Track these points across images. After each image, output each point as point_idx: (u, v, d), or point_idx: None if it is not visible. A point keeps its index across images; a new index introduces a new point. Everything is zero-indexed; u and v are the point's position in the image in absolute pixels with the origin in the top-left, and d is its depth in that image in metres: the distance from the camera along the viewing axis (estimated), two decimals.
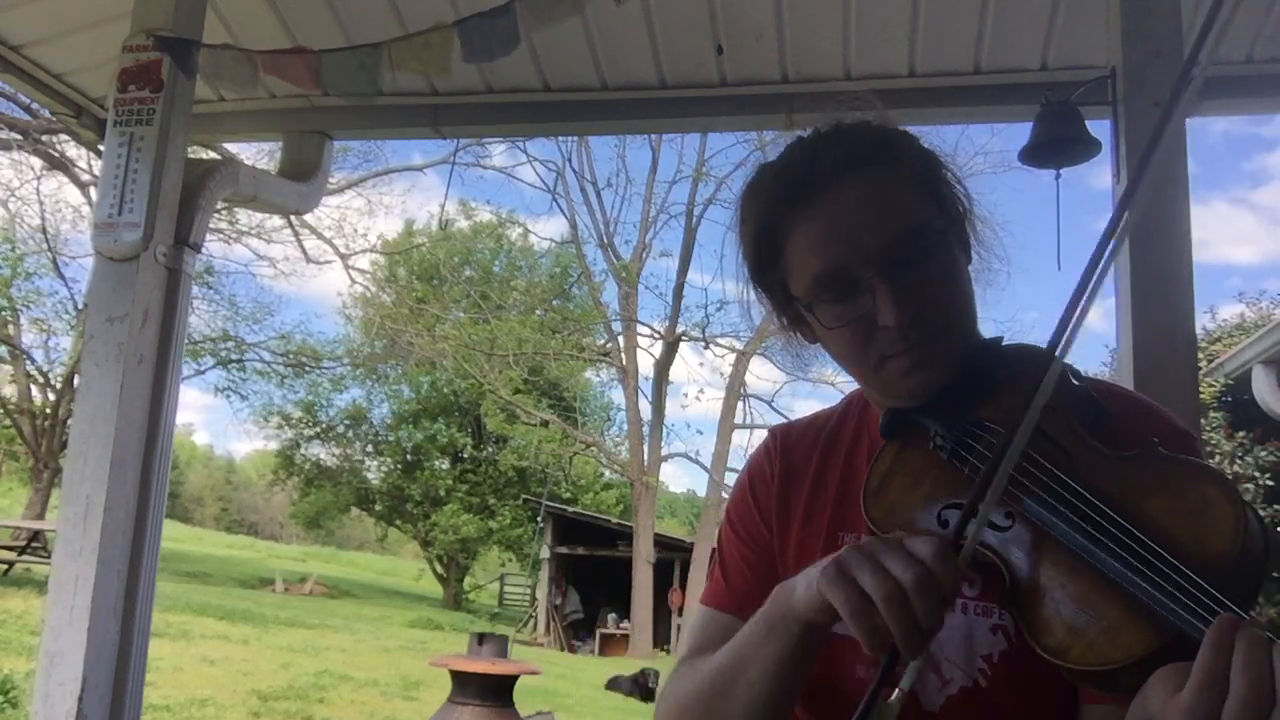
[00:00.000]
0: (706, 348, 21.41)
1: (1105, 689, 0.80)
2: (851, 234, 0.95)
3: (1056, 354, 0.88)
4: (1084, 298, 0.89)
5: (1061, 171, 2.69)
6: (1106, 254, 0.90)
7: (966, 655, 0.94)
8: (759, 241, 1.02)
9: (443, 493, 26.66)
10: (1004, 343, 1.03)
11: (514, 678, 5.15)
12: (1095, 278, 0.89)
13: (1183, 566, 0.76)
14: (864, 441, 1.11)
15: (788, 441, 1.17)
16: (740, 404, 21.23)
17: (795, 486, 1.12)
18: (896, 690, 0.82)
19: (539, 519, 21.97)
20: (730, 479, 18.85)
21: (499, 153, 22.54)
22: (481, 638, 5.30)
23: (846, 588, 0.80)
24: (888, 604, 0.77)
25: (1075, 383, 0.95)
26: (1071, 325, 0.88)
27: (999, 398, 0.97)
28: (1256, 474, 7.68)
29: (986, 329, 1.05)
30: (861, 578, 0.79)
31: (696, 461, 22.33)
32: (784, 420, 1.31)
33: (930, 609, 0.77)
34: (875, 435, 1.07)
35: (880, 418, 1.04)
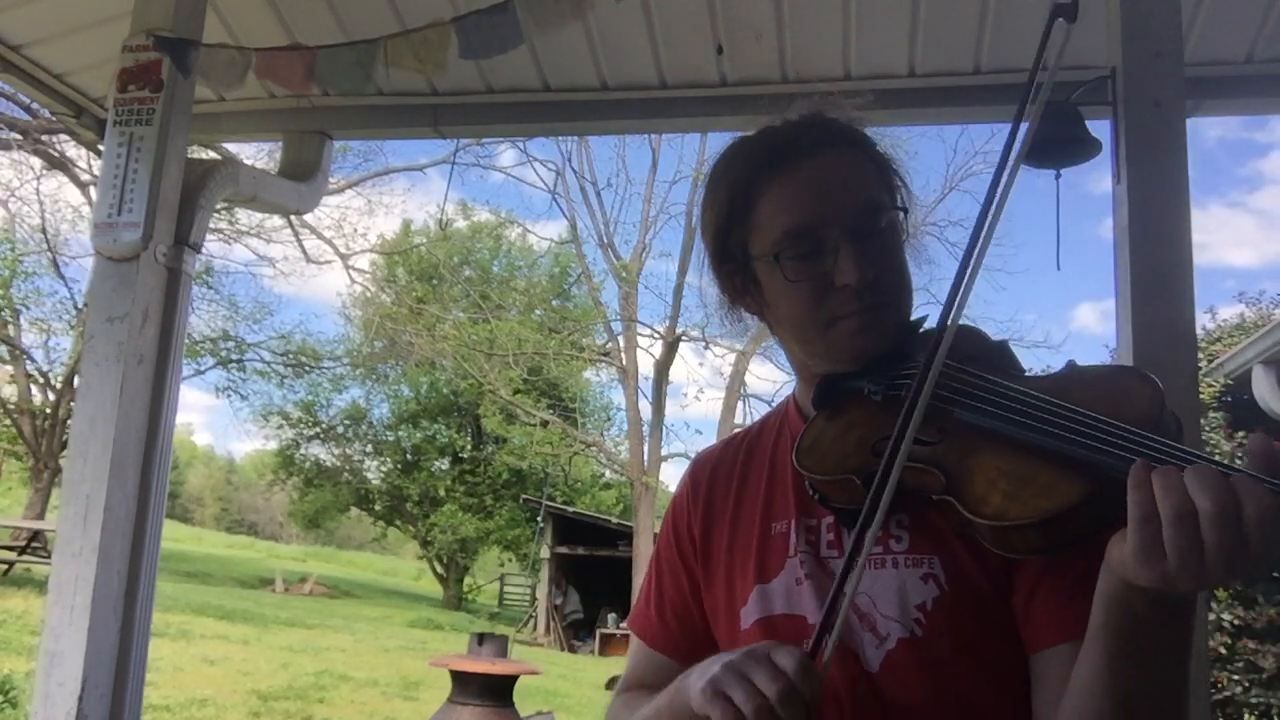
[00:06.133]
0: (706, 348, 21.41)
1: (1049, 543, 0.86)
2: (826, 195, 1.05)
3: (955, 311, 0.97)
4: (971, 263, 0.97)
5: (1061, 172, 2.68)
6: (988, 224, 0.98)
7: (901, 606, 0.98)
8: (733, 197, 1.09)
9: (441, 493, 26.65)
10: (923, 328, 1.11)
11: (514, 678, 5.15)
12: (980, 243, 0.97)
13: (1105, 417, 0.84)
14: (785, 438, 1.17)
15: (709, 463, 1.24)
16: (740, 404, 21.23)
17: (721, 498, 1.19)
18: None
19: (539, 519, 21.96)
20: None
21: (501, 153, 22.56)
22: (481, 638, 5.30)
23: (723, 705, 0.86)
24: (758, 718, 0.83)
25: (992, 340, 1.07)
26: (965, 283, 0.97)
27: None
28: None
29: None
30: (735, 695, 0.85)
31: None
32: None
33: (796, 717, 0.83)
34: (796, 430, 1.14)
35: (812, 393, 1.10)
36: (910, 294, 1.10)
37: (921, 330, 1.10)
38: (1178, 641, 0.83)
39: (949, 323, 0.95)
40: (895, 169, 1.13)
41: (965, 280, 0.97)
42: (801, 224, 1.04)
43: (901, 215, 1.10)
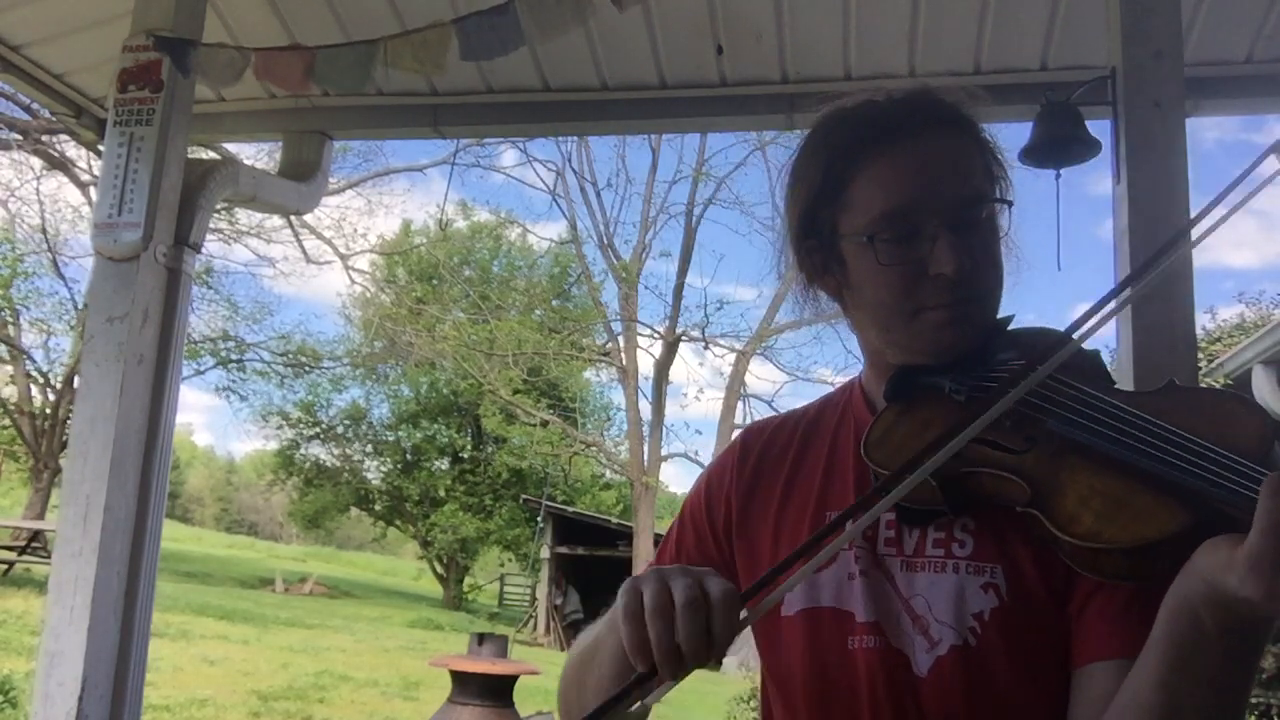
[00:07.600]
0: (706, 348, 21.45)
1: (1138, 571, 0.82)
2: (929, 179, 0.99)
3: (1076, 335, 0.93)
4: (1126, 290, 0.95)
5: (1061, 171, 2.68)
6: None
7: (957, 614, 0.95)
8: (829, 171, 1.03)
9: (441, 493, 26.65)
10: (1011, 326, 1.06)
11: (514, 678, 5.14)
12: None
13: (1214, 445, 0.78)
14: (849, 426, 1.12)
15: (762, 436, 1.18)
16: (740, 404, 21.25)
17: (770, 473, 1.14)
18: (639, 703, 0.83)
19: (539, 519, 21.96)
20: None
21: (501, 153, 22.59)
22: (481, 638, 5.29)
23: (629, 595, 0.83)
24: (653, 615, 0.80)
25: (1085, 349, 1.00)
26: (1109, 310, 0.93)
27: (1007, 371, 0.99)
28: None
29: None
30: (645, 589, 0.82)
31: (696, 461, 22.35)
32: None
33: (692, 631, 0.79)
34: (861, 419, 1.09)
35: (885, 385, 1.05)
36: (1001, 292, 1.04)
37: (1008, 329, 1.05)
38: (1241, 667, 0.79)
39: (1073, 336, 0.91)
40: (1000, 159, 1.07)
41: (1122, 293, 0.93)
42: (901, 206, 0.99)
43: (1005, 209, 1.05)
